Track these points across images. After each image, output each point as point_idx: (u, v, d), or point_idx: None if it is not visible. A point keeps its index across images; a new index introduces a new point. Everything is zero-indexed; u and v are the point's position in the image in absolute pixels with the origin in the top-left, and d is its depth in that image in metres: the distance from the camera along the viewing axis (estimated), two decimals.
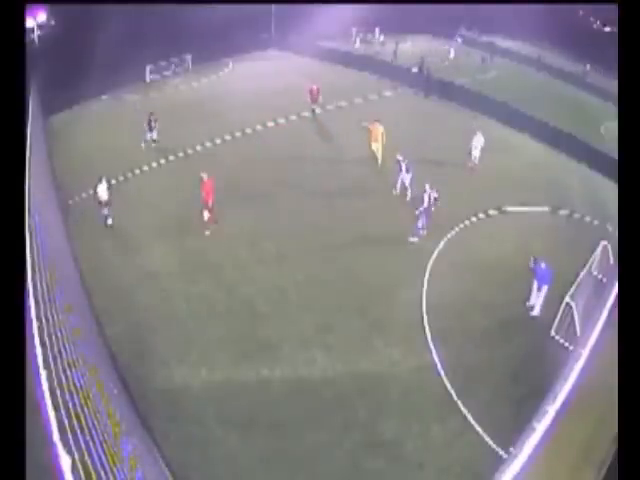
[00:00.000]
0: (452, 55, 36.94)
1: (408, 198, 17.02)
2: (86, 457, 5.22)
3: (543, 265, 12.37)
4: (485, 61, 36.65)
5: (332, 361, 10.91)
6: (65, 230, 14.24)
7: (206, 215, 14.86)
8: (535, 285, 12.59)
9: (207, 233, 14.86)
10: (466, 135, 21.90)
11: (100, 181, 14.91)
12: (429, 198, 14.81)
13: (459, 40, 41.01)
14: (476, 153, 19.23)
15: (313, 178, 18.32)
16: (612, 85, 32.39)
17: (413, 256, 14.44)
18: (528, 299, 12.83)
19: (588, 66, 36.68)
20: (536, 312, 12.61)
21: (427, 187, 14.88)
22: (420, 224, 15.01)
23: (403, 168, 16.92)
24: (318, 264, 13.92)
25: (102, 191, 14.90)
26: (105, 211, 15.02)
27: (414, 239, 15.09)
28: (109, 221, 15.06)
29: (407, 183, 17.06)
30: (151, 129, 19.74)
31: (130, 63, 25.65)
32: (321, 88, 23.96)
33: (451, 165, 19.59)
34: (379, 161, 19.15)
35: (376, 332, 11.74)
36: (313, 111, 24.21)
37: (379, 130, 18.91)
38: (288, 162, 19.39)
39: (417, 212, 15.02)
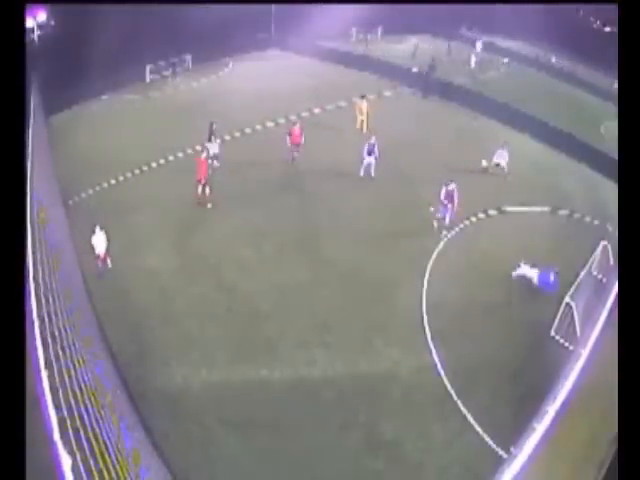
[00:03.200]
0: (473, 63, 35.08)
1: (362, 173, 18.30)
2: (88, 456, 5.22)
3: (552, 278, 13.00)
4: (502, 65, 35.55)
5: (332, 361, 10.91)
6: (69, 229, 14.22)
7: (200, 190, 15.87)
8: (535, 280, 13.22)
9: (209, 206, 15.98)
10: (467, 135, 21.97)
11: (94, 231, 12.71)
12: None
13: (479, 46, 38.32)
14: (503, 163, 19.15)
15: (313, 178, 18.32)
16: (607, 83, 32.56)
17: (413, 256, 14.44)
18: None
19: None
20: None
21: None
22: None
23: (375, 152, 17.96)
24: (318, 264, 13.92)
25: (97, 242, 12.75)
26: (99, 264, 12.93)
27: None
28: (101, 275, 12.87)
29: (372, 165, 18.18)
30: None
31: (130, 63, 25.62)
32: (321, 87, 23.94)
33: (451, 165, 19.57)
34: (363, 130, 21.76)
35: (376, 332, 11.74)
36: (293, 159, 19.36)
37: (364, 105, 22.16)
38: (287, 162, 19.37)
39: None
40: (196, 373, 10.38)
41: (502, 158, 19.24)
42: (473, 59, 35.35)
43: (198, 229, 15.03)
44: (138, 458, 6.33)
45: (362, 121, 22.16)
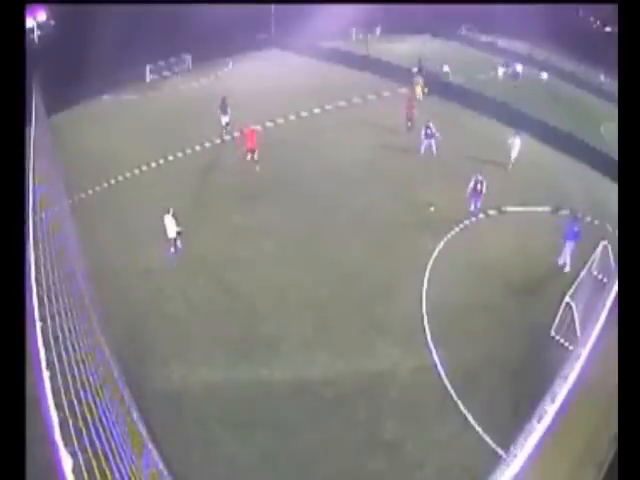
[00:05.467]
0: (500, 74, 34.15)
1: (434, 154, 20.15)
2: (90, 456, 5.23)
3: (576, 228, 13.72)
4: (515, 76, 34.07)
5: (332, 361, 10.91)
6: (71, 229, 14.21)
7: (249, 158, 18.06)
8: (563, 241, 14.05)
9: (257, 169, 17.91)
10: (466, 135, 21.92)
11: (167, 212, 13.29)
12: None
13: (520, 67, 35.04)
14: (513, 154, 19.91)
15: (312, 178, 18.32)
16: (607, 83, 32.50)
17: (413, 256, 14.44)
18: (558, 257, 14.25)
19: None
20: (567, 268, 14.01)
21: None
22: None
23: (430, 133, 19.88)
24: (318, 264, 13.92)
25: (168, 225, 13.27)
26: (172, 249, 13.64)
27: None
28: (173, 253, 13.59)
29: (433, 146, 20.15)
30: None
31: (130, 63, 25.65)
32: (321, 87, 23.94)
33: (451, 165, 19.58)
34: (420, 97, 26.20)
35: (376, 332, 11.74)
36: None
37: (420, 81, 26.85)
38: (287, 162, 19.38)
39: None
40: (196, 373, 10.39)
41: (514, 149, 19.89)
42: (501, 71, 34.38)
43: (198, 229, 15.02)
44: (144, 458, 6.33)
45: (422, 92, 26.44)
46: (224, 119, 21.17)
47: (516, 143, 19.86)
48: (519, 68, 34.60)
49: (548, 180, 19.76)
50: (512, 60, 36.14)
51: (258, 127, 19.08)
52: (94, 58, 20.78)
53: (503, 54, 38.47)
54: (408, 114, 22.33)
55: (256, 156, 18.23)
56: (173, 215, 13.25)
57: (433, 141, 20.05)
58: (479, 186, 16.06)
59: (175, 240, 13.48)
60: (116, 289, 12.48)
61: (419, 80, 26.84)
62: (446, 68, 30.99)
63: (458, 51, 39.06)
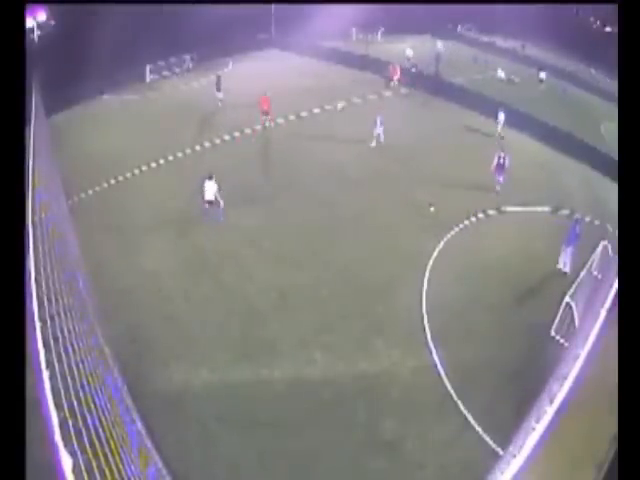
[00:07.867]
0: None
1: (373, 144, 20.95)
2: (91, 457, 5.22)
3: (578, 230, 13.92)
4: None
5: (332, 361, 10.92)
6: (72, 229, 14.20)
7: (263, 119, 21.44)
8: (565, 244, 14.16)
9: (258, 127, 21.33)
10: (466, 135, 21.91)
11: (210, 178, 14.84)
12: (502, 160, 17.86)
13: (500, 72, 34.46)
14: (499, 128, 22.83)
15: (312, 178, 18.33)
16: (607, 83, 32.48)
17: (413, 256, 14.44)
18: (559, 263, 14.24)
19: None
20: (567, 269, 14.04)
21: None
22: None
23: (378, 123, 20.89)
24: (318, 264, 13.93)
25: (208, 187, 14.79)
26: (206, 206, 15.09)
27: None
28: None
29: (380, 134, 21.03)
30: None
31: (130, 63, 25.66)
32: (321, 87, 23.98)
33: (451, 165, 19.60)
34: (392, 85, 29.02)
35: (376, 332, 11.74)
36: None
37: (397, 68, 29.18)
38: (287, 162, 19.40)
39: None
40: (196, 373, 10.39)
41: (499, 123, 22.64)
42: (500, 72, 34.18)
43: (198, 229, 15.02)
44: (144, 458, 6.32)
45: (396, 80, 28.84)
46: (219, 95, 24.06)
47: (500, 118, 22.62)
48: (500, 73, 34.70)
49: (548, 180, 19.78)
50: (510, 61, 36.20)
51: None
52: (94, 58, 20.80)
53: (504, 54, 38.46)
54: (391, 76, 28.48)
55: (270, 118, 21.61)
56: (215, 181, 14.74)
57: (382, 130, 21.04)
58: (502, 161, 17.56)
59: (211, 203, 14.85)
60: (116, 289, 12.48)
61: (397, 67, 29.41)
62: (408, 52, 31.86)
63: (456, 50, 39.00)
